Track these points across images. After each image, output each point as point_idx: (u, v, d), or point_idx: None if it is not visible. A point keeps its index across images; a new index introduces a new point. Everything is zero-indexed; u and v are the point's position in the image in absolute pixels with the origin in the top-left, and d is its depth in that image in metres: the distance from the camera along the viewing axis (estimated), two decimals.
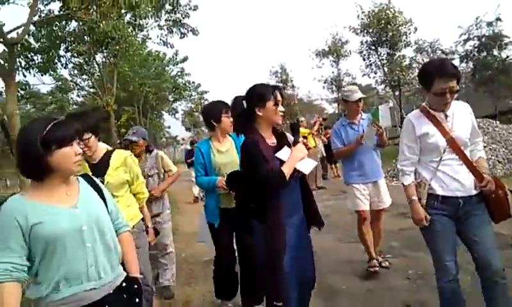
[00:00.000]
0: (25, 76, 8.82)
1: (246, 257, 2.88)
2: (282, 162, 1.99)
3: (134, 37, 12.15)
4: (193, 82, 24.93)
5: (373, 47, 18.94)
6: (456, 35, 27.61)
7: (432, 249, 2.20)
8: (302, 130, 8.51)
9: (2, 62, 7.09)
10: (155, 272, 3.63)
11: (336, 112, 26.18)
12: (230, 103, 2.41)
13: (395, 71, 18.33)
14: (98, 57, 13.54)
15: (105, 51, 12.23)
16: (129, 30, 10.55)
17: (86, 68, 14.58)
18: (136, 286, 1.65)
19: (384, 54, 18.96)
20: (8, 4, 6.59)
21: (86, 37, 10.45)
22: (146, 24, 11.62)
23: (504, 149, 8.24)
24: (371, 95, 26.75)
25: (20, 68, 8.44)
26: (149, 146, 3.69)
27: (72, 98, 21.00)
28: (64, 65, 11.19)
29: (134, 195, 2.60)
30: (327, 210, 5.90)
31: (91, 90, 16.77)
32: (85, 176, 1.69)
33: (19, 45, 6.69)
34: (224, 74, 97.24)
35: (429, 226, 2.15)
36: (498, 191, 2.11)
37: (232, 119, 2.70)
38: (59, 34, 9.64)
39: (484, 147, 2.98)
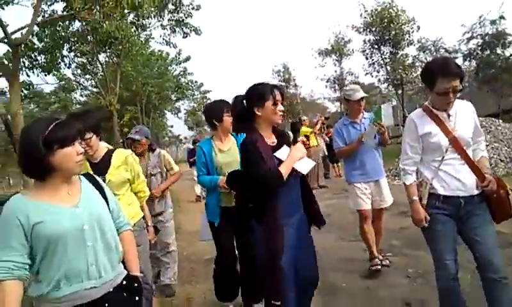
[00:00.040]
0: (28, 76, 8.85)
1: (246, 256, 2.89)
2: (281, 162, 1.99)
3: (137, 37, 12.14)
4: (196, 82, 24.95)
5: (376, 46, 18.90)
6: (459, 33, 27.55)
7: (433, 248, 2.20)
8: (304, 129, 8.43)
9: (6, 62, 7.15)
10: (155, 270, 3.65)
11: (339, 111, 26.17)
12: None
13: (397, 70, 18.28)
14: (102, 57, 13.57)
15: (108, 51, 12.24)
16: (132, 30, 10.56)
17: (89, 67, 14.61)
18: (136, 285, 1.66)
19: (387, 53, 18.90)
20: (12, 5, 6.63)
21: (89, 37, 10.48)
22: (149, 24, 11.62)
23: (506, 148, 8.17)
24: (374, 94, 26.70)
25: (23, 68, 8.48)
26: (152, 145, 3.71)
27: (75, 97, 21.13)
28: (67, 65, 11.21)
29: (135, 194, 2.62)
30: (329, 209, 5.89)
31: (94, 90, 16.82)
32: (87, 175, 1.70)
33: (23, 45, 6.73)
34: (227, 73, 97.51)
35: (430, 226, 2.15)
36: (500, 191, 2.10)
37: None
38: (63, 34, 9.68)
39: (487, 146, 2.96)
